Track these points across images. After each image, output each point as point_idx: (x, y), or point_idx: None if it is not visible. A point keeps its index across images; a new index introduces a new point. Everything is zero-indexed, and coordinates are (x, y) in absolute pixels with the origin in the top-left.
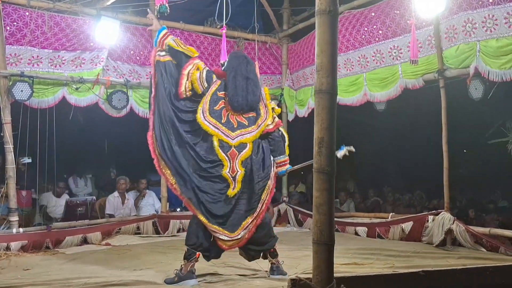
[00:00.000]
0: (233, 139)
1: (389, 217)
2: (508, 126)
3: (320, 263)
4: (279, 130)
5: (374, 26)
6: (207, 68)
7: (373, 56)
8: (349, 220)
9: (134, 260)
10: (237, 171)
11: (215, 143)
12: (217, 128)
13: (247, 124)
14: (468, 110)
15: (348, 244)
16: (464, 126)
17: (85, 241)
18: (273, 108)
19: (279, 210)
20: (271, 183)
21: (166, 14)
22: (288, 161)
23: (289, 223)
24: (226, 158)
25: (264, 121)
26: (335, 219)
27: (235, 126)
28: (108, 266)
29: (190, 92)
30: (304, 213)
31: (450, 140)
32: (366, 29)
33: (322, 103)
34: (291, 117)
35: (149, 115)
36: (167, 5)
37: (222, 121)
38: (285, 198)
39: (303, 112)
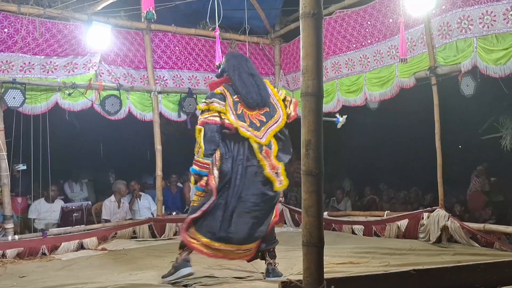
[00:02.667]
0: (260, 138)
1: (385, 215)
2: (501, 121)
3: (310, 264)
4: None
5: (373, 27)
6: (212, 98)
7: (374, 56)
8: (345, 219)
9: (131, 264)
10: (278, 166)
11: (255, 145)
12: (248, 131)
13: (265, 121)
14: (461, 107)
15: (345, 243)
16: (457, 123)
17: (81, 247)
18: (285, 97)
19: None
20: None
21: (153, 20)
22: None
23: (285, 223)
24: (263, 158)
25: (281, 117)
26: (332, 218)
27: (258, 125)
28: (104, 271)
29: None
30: (301, 213)
31: (444, 137)
32: (366, 29)
33: (308, 105)
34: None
35: None
36: (153, 11)
37: (247, 123)
38: (281, 198)
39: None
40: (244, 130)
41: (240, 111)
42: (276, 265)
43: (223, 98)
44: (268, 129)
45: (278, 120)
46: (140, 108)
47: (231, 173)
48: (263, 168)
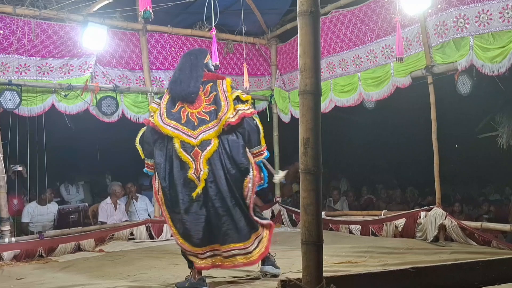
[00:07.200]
0: (195, 138)
1: (382, 214)
2: (498, 120)
3: (309, 263)
4: (254, 120)
5: (367, 26)
6: (155, 99)
7: (367, 56)
8: (342, 219)
9: (128, 266)
10: (201, 170)
11: (176, 145)
12: (177, 129)
13: (208, 119)
14: (457, 106)
15: (342, 243)
16: (454, 122)
17: (78, 249)
18: (238, 97)
19: (272, 211)
20: (250, 177)
21: (150, 20)
22: (264, 150)
23: (283, 223)
24: (190, 159)
25: (224, 114)
26: (329, 218)
27: (196, 124)
28: (102, 273)
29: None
30: (298, 213)
31: (441, 136)
32: (360, 29)
33: (306, 103)
34: (286, 118)
35: None
36: (151, 10)
37: (182, 121)
38: (278, 199)
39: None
40: (169, 128)
41: (178, 108)
42: (271, 255)
43: (162, 97)
44: (209, 129)
45: (221, 119)
46: (134, 110)
47: (167, 175)
48: (188, 169)
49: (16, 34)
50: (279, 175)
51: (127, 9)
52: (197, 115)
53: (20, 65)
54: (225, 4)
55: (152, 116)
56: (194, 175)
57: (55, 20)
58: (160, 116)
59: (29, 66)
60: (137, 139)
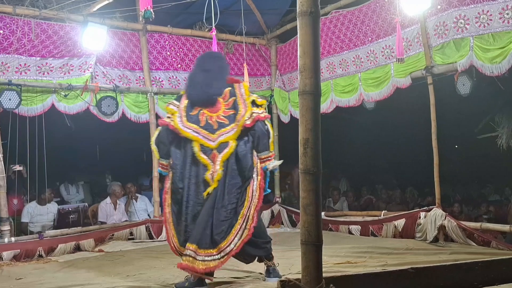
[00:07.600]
0: (214, 142)
1: (381, 214)
2: (497, 121)
3: (309, 263)
4: (265, 125)
5: (367, 27)
6: (172, 100)
7: (367, 56)
8: (342, 219)
9: (128, 266)
10: (215, 172)
11: (196, 148)
12: (197, 133)
13: (227, 123)
14: (457, 106)
15: (342, 243)
16: (454, 122)
17: (78, 248)
18: (253, 101)
19: (272, 211)
20: (255, 182)
21: (151, 20)
22: (272, 157)
23: (282, 224)
24: (209, 161)
25: (242, 116)
26: (329, 218)
27: (215, 128)
28: (102, 273)
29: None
30: (298, 213)
31: (440, 136)
32: (360, 29)
33: (306, 104)
34: (285, 119)
35: None
36: (151, 10)
37: (201, 124)
38: (278, 199)
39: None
40: (190, 131)
41: (196, 111)
42: (277, 265)
43: (180, 99)
44: (227, 132)
45: (239, 121)
46: (135, 110)
47: (183, 177)
48: (204, 171)
49: (16, 34)
50: (274, 163)
51: (127, 9)
52: (216, 119)
53: (20, 65)
54: (225, 4)
55: (169, 117)
56: (210, 176)
57: (55, 20)
58: (180, 118)
59: (29, 66)
60: (153, 139)
